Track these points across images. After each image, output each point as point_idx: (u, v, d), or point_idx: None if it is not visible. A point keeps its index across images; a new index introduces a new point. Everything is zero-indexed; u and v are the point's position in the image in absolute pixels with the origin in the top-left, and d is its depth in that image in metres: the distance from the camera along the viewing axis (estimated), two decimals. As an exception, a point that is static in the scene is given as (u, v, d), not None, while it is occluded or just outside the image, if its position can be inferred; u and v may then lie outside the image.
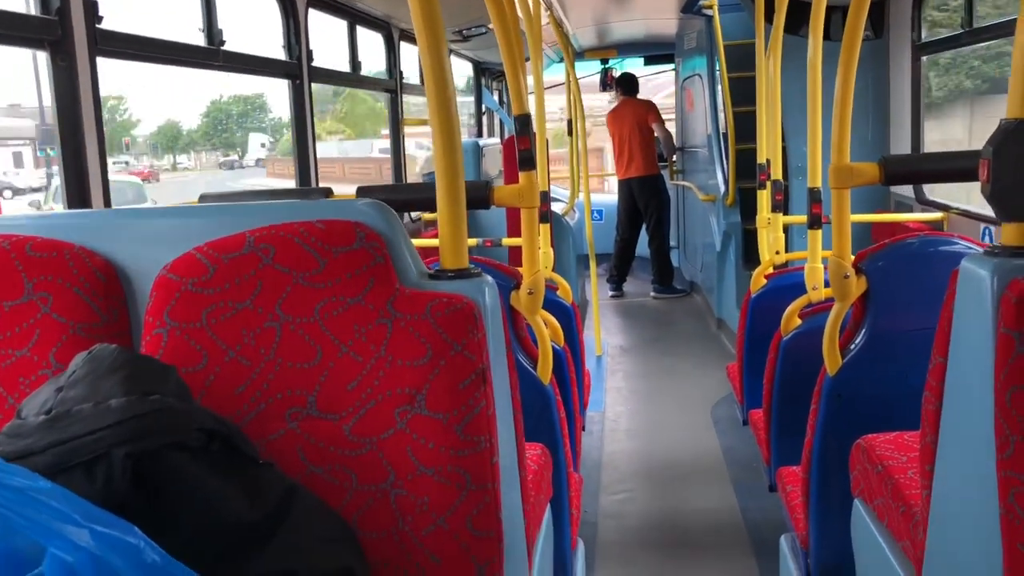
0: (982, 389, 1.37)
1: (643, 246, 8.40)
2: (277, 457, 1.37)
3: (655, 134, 8.02)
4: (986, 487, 1.35)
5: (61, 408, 1.14)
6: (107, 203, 2.32)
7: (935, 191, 4.61)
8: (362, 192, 2.35)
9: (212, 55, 3.09)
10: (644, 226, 8.18)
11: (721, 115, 6.49)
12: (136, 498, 1.11)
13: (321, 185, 3.43)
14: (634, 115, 7.98)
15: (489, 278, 1.57)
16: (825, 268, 2.70)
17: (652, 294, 8.25)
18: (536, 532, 1.94)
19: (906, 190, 4.74)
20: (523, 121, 2.47)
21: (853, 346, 2.45)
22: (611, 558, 3.42)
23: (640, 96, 8.27)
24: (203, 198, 2.40)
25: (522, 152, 2.42)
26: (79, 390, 1.17)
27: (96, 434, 1.11)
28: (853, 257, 2.44)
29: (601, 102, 11.45)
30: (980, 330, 1.39)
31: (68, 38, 2.25)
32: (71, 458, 1.09)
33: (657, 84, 12.79)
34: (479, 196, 2.29)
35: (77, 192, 2.25)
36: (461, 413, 1.38)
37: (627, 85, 8.22)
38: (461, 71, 8.23)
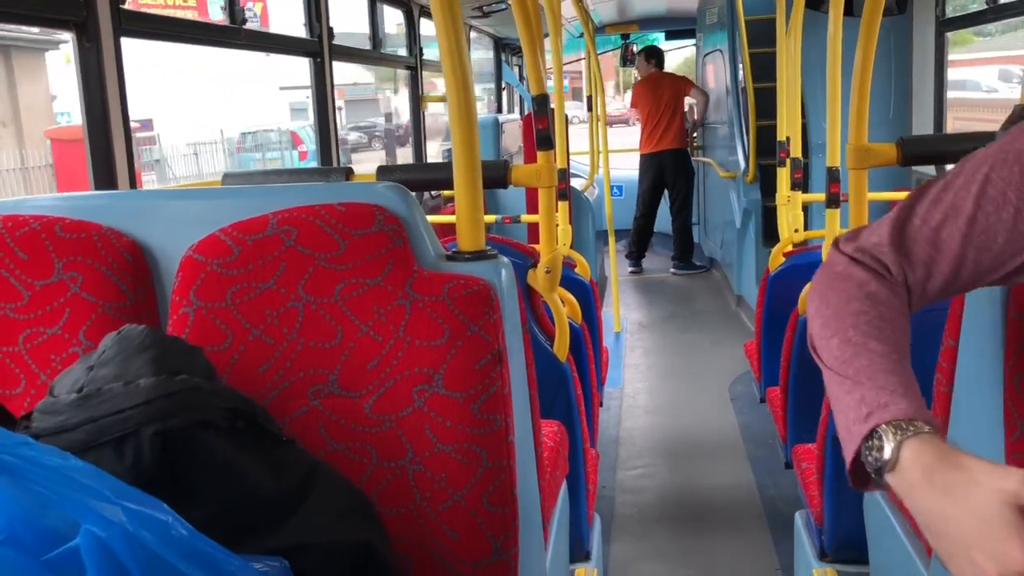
0: (992, 373, 1.38)
1: (660, 222, 8.38)
2: (300, 434, 1.41)
3: (690, 103, 8.04)
4: None
5: (92, 387, 1.18)
6: (132, 184, 2.36)
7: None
8: (382, 172, 2.38)
9: (234, 34, 3.11)
10: (670, 201, 8.15)
11: (742, 91, 6.45)
12: (163, 475, 1.15)
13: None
14: (672, 88, 7.98)
15: (505, 259, 1.60)
16: None
17: (672, 270, 8.24)
18: (552, 508, 1.98)
19: (927, 167, 4.71)
20: (541, 101, 2.48)
21: None
22: (627, 532, 3.47)
23: None
24: (226, 178, 2.43)
25: (539, 132, 2.44)
26: (109, 369, 1.21)
27: (125, 413, 1.15)
28: None
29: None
30: (991, 314, 1.41)
31: (93, 18, 2.28)
32: (101, 435, 1.13)
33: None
34: (496, 176, 2.31)
35: (104, 173, 2.29)
36: (477, 392, 1.41)
37: (658, 57, 8.22)
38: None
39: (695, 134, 8.39)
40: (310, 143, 19.92)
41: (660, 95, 7.95)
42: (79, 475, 0.94)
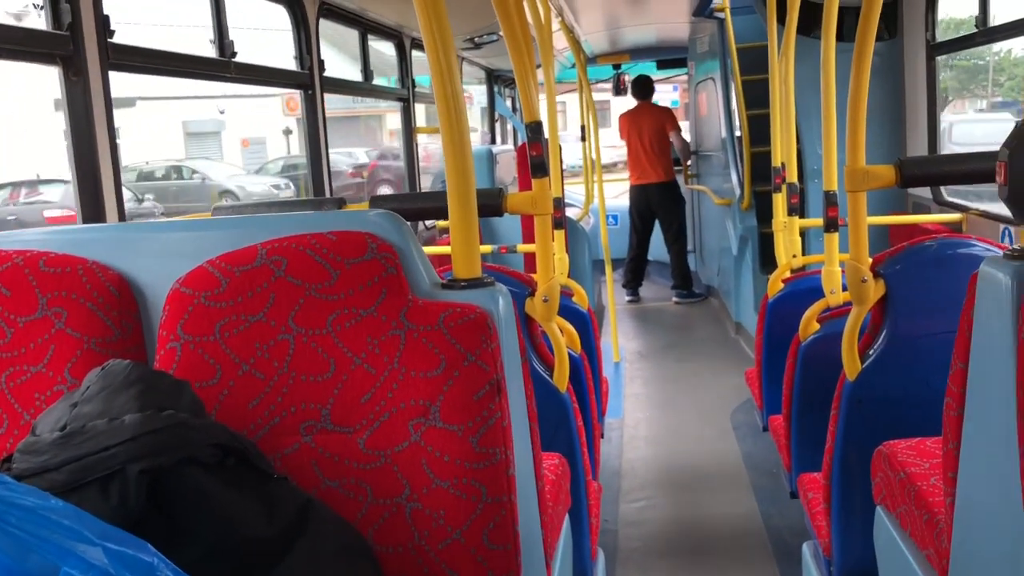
0: (1004, 395, 1.34)
1: (657, 250, 8.36)
2: (292, 471, 1.37)
3: (671, 141, 8.01)
4: (1010, 494, 1.33)
5: (76, 424, 1.14)
6: (121, 217, 2.33)
7: (953, 191, 4.56)
8: (375, 202, 2.35)
9: (224, 67, 3.10)
10: (663, 232, 8.13)
11: (735, 118, 6.46)
12: (151, 514, 1.11)
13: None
14: (653, 121, 7.95)
15: (502, 287, 1.56)
16: (843, 272, 2.67)
17: (675, 299, 8.20)
18: (555, 543, 1.92)
19: (923, 191, 4.70)
20: (535, 128, 2.46)
21: (872, 351, 2.43)
22: (631, 566, 3.40)
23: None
24: (216, 210, 2.40)
25: (534, 159, 2.42)
26: (93, 406, 1.17)
27: (111, 450, 1.10)
28: (871, 260, 2.42)
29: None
30: (1001, 335, 1.37)
31: (80, 53, 2.26)
32: (86, 475, 1.09)
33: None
34: (492, 204, 2.28)
35: (91, 206, 2.26)
36: (476, 425, 1.37)
37: (643, 89, 8.17)
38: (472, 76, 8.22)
39: (688, 162, 8.40)
40: None
41: (642, 128, 7.92)
42: (59, 516, 0.90)
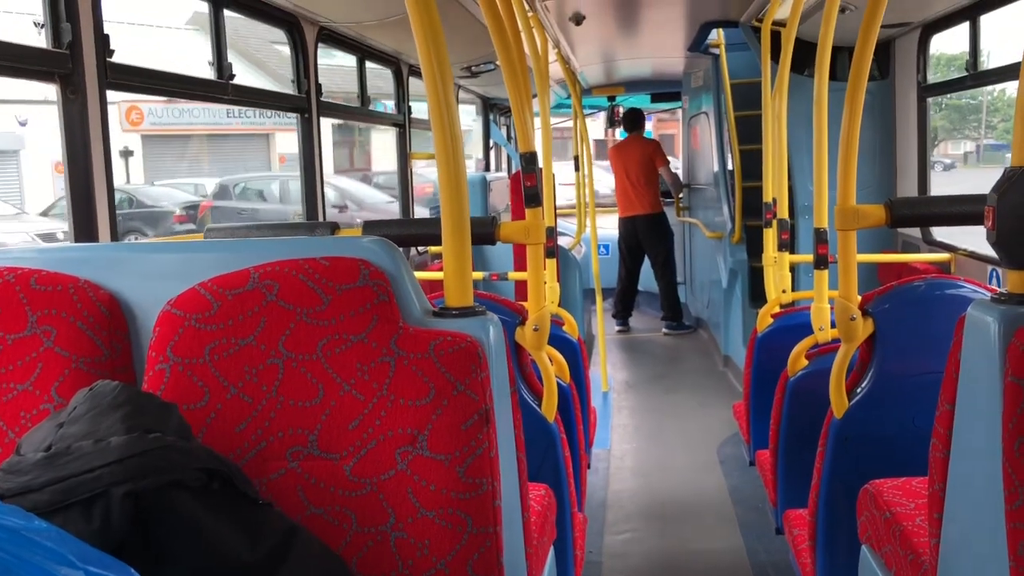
0: (990, 438, 1.35)
1: (648, 281, 8.38)
2: (277, 497, 1.36)
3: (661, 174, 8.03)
4: (995, 538, 1.33)
5: (61, 445, 1.14)
6: (114, 236, 2.33)
7: (942, 231, 4.60)
8: (368, 227, 2.36)
9: (221, 89, 3.11)
10: (651, 263, 8.14)
11: (728, 153, 6.50)
12: (134, 537, 1.10)
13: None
14: (641, 153, 7.95)
15: (494, 316, 1.57)
16: (832, 309, 2.69)
17: (664, 331, 8.20)
18: (539, 575, 1.91)
19: (913, 230, 4.73)
20: (529, 158, 2.47)
21: (860, 388, 2.43)
22: (614, 599, 3.38)
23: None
24: (209, 231, 2.41)
25: (528, 189, 2.43)
26: (80, 427, 1.16)
27: (95, 472, 1.10)
28: (860, 298, 2.43)
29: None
30: (987, 378, 1.38)
31: (79, 71, 2.26)
32: (69, 496, 1.08)
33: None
34: (485, 232, 2.29)
35: (84, 225, 2.26)
36: (463, 454, 1.36)
37: (632, 122, 8.20)
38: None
39: (680, 195, 8.43)
40: None
41: (629, 161, 7.93)
42: (41, 538, 0.89)
